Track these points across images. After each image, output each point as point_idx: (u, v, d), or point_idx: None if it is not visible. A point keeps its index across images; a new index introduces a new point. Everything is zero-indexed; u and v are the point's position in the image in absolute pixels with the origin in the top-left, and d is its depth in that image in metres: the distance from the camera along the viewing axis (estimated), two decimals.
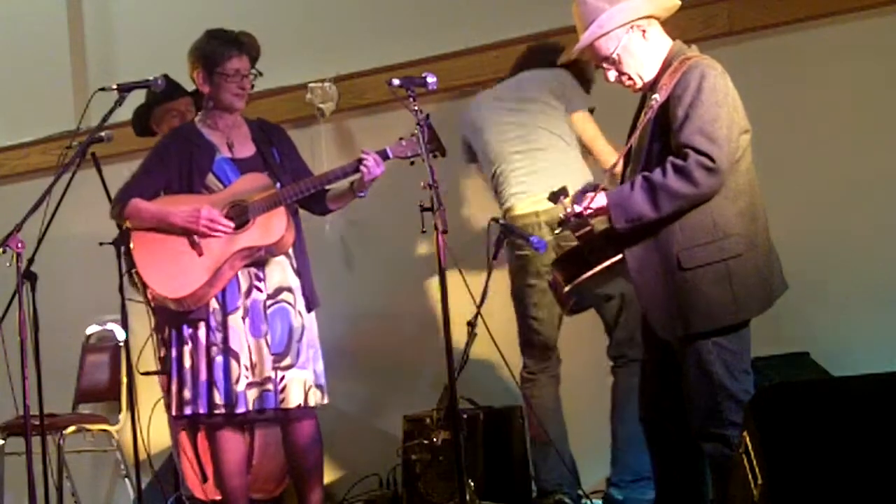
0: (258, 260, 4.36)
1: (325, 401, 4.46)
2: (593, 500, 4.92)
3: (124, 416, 5.79)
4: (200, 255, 4.36)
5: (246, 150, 4.48)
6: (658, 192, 3.49)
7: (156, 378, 5.03)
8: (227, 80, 4.40)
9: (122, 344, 5.83)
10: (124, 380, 5.81)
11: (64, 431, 5.62)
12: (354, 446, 5.78)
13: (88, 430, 5.83)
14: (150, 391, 5.27)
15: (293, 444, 4.47)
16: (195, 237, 4.35)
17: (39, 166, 6.48)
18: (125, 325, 5.22)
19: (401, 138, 4.27)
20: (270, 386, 4.30)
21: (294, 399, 4.32)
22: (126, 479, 5.91)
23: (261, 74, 4.55)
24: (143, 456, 5.23)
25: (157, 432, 5.29)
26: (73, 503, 5.83)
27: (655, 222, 3.56)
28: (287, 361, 4.34)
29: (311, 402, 4.36)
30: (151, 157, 4.54)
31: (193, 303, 4.39)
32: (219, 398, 4.33)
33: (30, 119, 6.67)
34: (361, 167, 4.28)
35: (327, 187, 4.45)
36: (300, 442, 4.43)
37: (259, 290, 4.35)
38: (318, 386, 4.43)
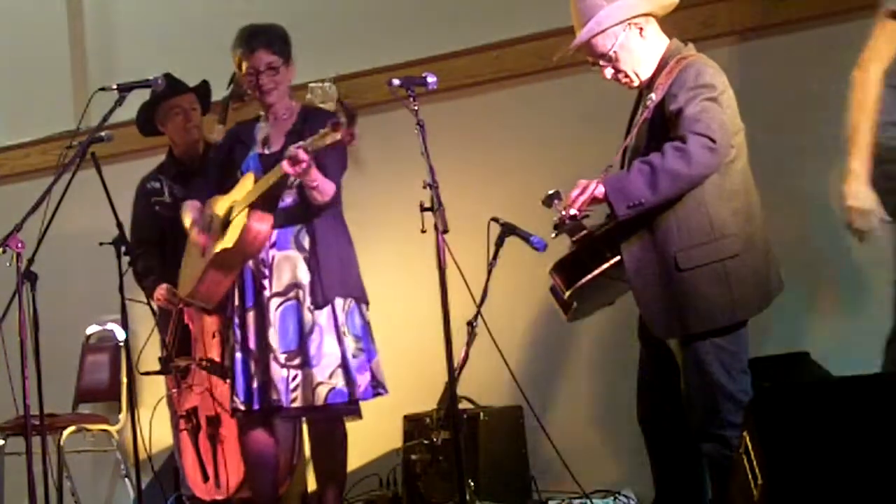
0: (240, 261, 4.34)
1: (343, 399, 4.29)
2: (593, 500, 4.92)
3: (124, 416, 5.79)
4: (202, 255, 4.42)
5: (276, 146, 4.44)
6: (658, 173, 3.48)
7: (156, 378, 5.04)
8: (247, 77, 4.43)
9: (122, 344, 5.84)
10: (124, 380, 5.81)
11: (64, 431, 5.62)
12: (354, 446, 5.76)
13: (88, 430, 5.83)
14: (150, 391, 5.27)
15: (311, 441, 4.45)
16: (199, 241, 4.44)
17: (40, 166, 6.48)
18: (125, 325, 5.21)
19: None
20: (273, 385, 4.27)
21: (304, 398, 4.26)
22: (126, 479, 5.91)
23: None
24: (143, 456, 5.23)
25: (157, 432, 5.28)
26: (73, 503, 5.83)
27: (653, 219, 3.56)
28: (298, 360, 4.28)
29: (318, 401, 4.25)
30: (209, 159, 4.69)
31: (199, 301, 4.51)
32: (238, 395, 4.34)
33: (30, 119, 6.67)
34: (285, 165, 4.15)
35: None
36: (316, 440, 4.42)
37: (264, 287, 4.34)
38: (346, 380, 4.31)
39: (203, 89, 5.17)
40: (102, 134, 4.37)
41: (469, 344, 4.37)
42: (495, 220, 4.49)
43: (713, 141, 3.46)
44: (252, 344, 4.32)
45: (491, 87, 5.70)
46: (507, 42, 5.63)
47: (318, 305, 4.32)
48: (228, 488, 4.83)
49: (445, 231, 3.96)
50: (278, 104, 4.46)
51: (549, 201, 3.65)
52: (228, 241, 4.28)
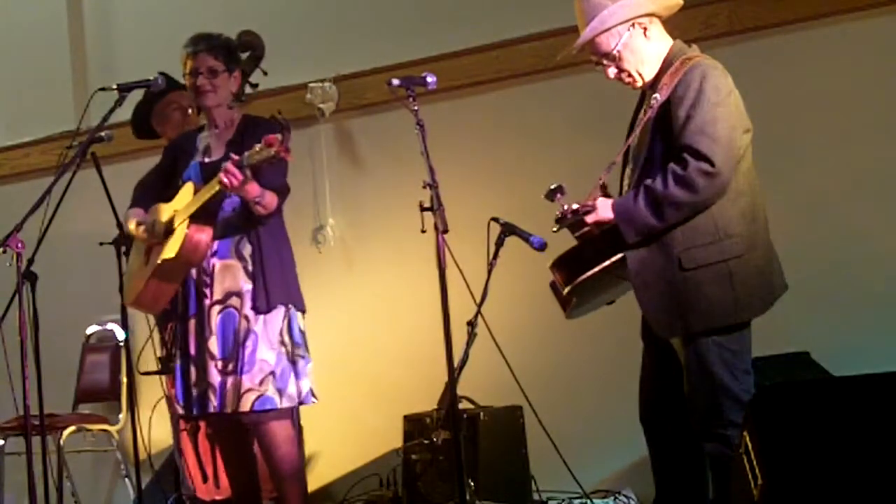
0: (183, 270, 4.33)
1: (272, 406, 4.26)
2: (593, 500, 4.92)
3: (124, 416, 5.80)
4: (146, 265, 4.40)
5: (218, 153, 4.42)
6: (662, 203, 3.50)
7: (156, 378, 5.04)
8: (188, 77, 4.40)
9: (122, 344, 5.84)
10: (124, 380, 5.82)
11: (64, 431, 5.62)
12: (354, 446, 5.78)
13: (88, 430, 5.83)
14: (150, 391, 5.28)
15: (260, 446, 4.43)
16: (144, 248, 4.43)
17: (40, 166, 6.48)
18: (125, 325, 5.22)
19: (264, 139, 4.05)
20: (211, 391, 4.25)
21: (230, 404, 4.24)
22: (126, 479, 5.91)
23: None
24: (143, 456, 5.23)
25: (157, 432, 5.29)
26: (73, 503, 5.83)
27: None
28: (231, 366, 4.27)
29: (244, 408, 4.22)
30: (156, 165, 4.62)
31: (144, 309, 4.56)
32: (178, 402, 4.34)
33: (30, 119, 6.67)
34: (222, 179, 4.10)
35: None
36: (264, 445, 4.37)
37: (206, 295, 4.32)
38: (278, 388, 4.28)
39: None
40: (102, 134, 4.37)
41: (469, 344, 4.37)
42: (495, 220, 4.49)
43: (712, 164, 3.46)
44: (193, 351, 4.32)
45: (491, 87, 5.71)
46: (507, 42, 5.64)
47: (259, 311, 4.29)
48: (228, 488, 4.82)
49: (445, 231, 3.96)
50: (216, 111, 4.44)
51: (551, 195, 3.65)
52: (170, 251, 4.27)
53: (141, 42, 6.43)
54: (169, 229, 4.32)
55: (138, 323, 5.32)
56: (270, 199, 4.25)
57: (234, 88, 4.45)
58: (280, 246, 4.42)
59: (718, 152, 3.48)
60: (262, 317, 4.29)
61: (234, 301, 4.31)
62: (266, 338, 4.28)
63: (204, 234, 4.28)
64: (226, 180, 4.09)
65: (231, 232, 4.34)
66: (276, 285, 4.33)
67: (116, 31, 6.60)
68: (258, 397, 4.24)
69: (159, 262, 4.29)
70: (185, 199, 4.32)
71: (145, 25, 6.48)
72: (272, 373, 4.27)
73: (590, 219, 3.60)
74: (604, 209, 3.59)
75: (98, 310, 6.07)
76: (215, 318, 4.30)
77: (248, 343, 4.27)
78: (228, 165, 4.09)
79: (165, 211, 4.39)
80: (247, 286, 4.31)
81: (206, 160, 4.41)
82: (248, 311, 4.29)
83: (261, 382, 4.25)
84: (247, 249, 4.35)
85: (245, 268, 4.33)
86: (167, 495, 5.26)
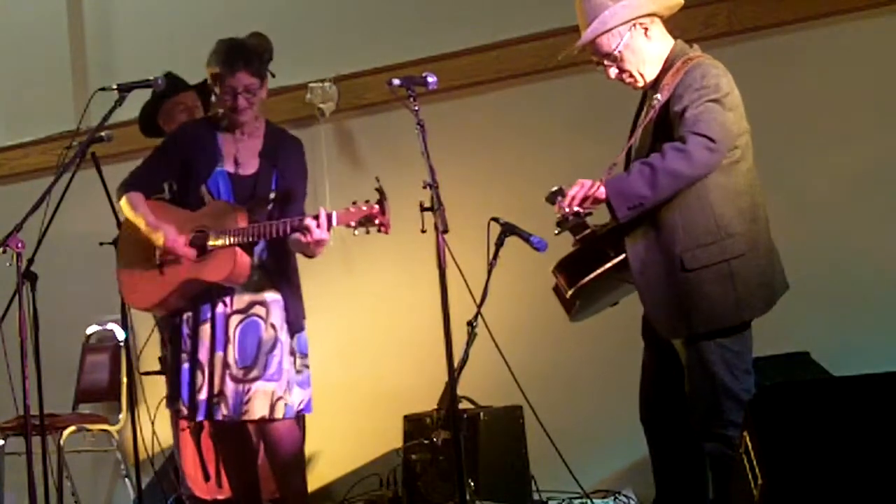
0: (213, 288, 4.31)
1: (293, 412, 4.31)
2: (594, 500, 4.92)
3: (124, 416, 5.79)
4: (161, 273, 4.33)
5: (250, 166, 4.38)
6: (657, 172, 3.48)
7: (156, 378, 5.04)
8: (223, 95, 4.33)
9: (122, 344, 5.84)
10: (124, 380, 5.81)
11: (64, 431, 5.62)
12: (354, 446, 5.78)
13: (88, 430, 5.83)
14: (150, 391, 5.28)
15: (267, 445, 4.43)
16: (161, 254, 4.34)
17: (39, 166, 6.48)
18: (125, 325, 5.22)
19: (354, 202, 4.09)
20: (222, 399, 4.23)
21: (258, 411, 4.23)
22: (126, 479, 5.91)
23: (273, 76, 4.52)
24: (143, 456, 5.24)
25: (157, 432, 5.29)
26: (73, 503, 5.83)
27: (657, 218, 3.56)
28: (254, 374, 4.25)
29: (278, 415, 4.24)
30: (158, 149, 4.52)
31: (160, 311, 4.50)
32: (182, 403, 4.32)
33: (30, 119, 6.67)
34: (302, 230, 4.09)
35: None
36: (272, 445, 4.37)
37: (224, 304, 4.30)
38: (300, 393, 4.34)
39: (205, 88, 5.14)
40: (102, 134, 4.36)
41: (469, 344, 4.38)
42: (495, 220, 4.49)
43: (713, 140, 3.47)
44: (202, 357, 4.29)
45: (491, 87, 5.71)
46: (507, 42, 5.64)
47: (292, 331, 4.33)
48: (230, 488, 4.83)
49: (445, 231, 3.95)
50: (249, 122, 4.40)
51: (552, 198, 3.65)
52: (216, 274, 4.23)
53: (141, 42, 6.43)
54: (202, 244, 4.26)
55: (138, 323, 5.32)
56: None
57: (264, 95, 4.39)
58: (293, 263, 4.44)
59: (717, 130, 3.49)
60: (286, 325, 4.32)
61: (258, 310, 4.30)
62: (287, 347, 4.32)
63: (248, 260, 4.26)
64: (315, 234, 4.07)
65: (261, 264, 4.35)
66: (299, 306, 4.40)
67: (116, 31, 6.60)
68: (286, 404, 4.27)
69: (198, 278, 4.25)
70: (227, 219, 4.23)
71: (145, 25, 6.48)
72: (290, 381, 4.30)
73: (577, 192, 3.56)
74: (597, 189, 3.56)
75: (98, 310, 6.06)
76: (235, 328, 4.29)
77: (276, 352, 4.28)
78: (316, 225, 4.06)
79: (183, 218, 4.32)
80: (270, 296, 4.32)
81: (239, 172, 4.36)
82: (274, 319, 4.30)
83: (285, 391, 4.28)
84: (266, 259, 4.34)
85: (267, 276, 4.34)
86: (167, 495, 5.26)
